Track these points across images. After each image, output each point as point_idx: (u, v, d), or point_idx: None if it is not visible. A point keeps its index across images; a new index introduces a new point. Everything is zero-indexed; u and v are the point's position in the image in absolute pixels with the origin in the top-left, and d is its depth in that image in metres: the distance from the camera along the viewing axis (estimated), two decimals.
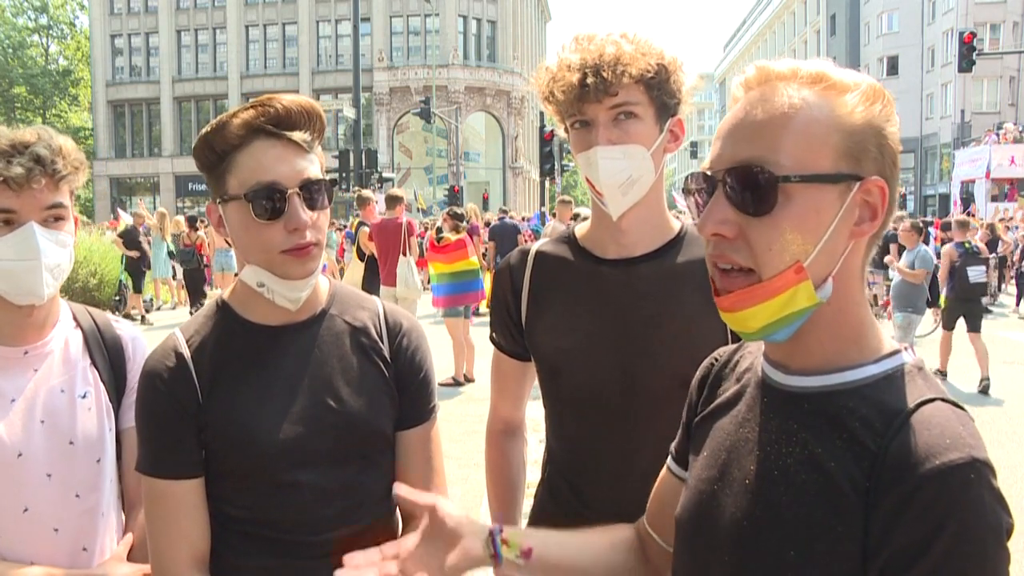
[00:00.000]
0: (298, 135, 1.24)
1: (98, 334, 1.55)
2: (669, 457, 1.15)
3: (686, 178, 0.93)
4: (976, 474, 0.75)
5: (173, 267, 14.79)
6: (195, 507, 1.27)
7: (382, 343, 1.38)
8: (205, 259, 13.41)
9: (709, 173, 0.89)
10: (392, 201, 8.71)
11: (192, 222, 14.05)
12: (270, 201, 1.21)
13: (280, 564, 1.27)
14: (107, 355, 1.55)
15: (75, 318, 1.55)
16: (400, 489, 1.09)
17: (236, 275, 1.36)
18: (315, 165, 1.27)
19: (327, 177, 1.30)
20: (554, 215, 12.91)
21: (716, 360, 1.10)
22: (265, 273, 1.26)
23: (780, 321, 0.86)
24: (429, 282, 8.83)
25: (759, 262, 0.85)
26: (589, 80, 1.37)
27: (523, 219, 16.45)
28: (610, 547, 1.18)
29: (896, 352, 0.89)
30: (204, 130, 1.25)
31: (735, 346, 1.10)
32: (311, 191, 1.24)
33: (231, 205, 1.24)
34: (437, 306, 8.49)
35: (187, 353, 1.29)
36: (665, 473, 1.15)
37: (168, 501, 1.26)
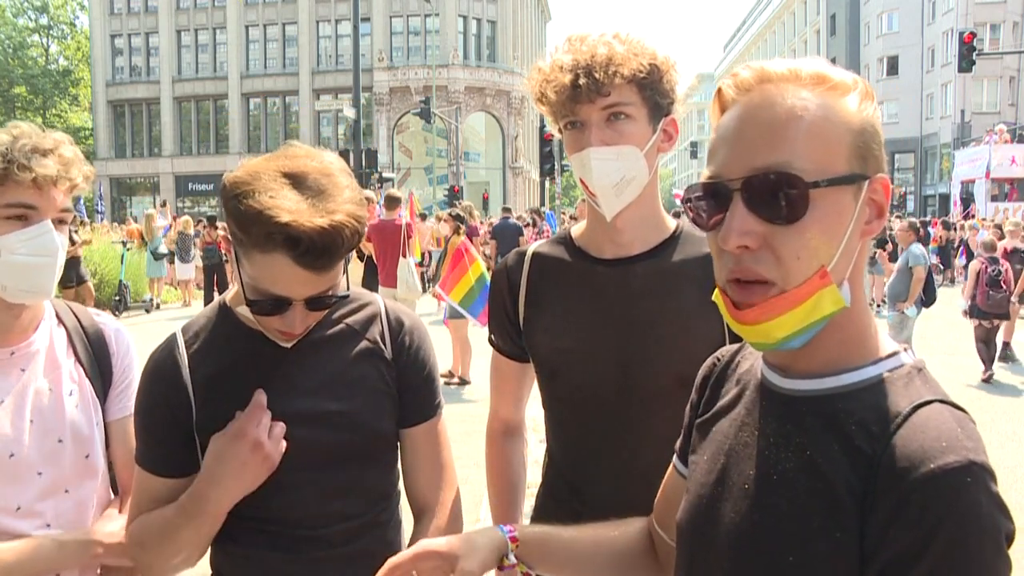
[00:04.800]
0: (320, 267, 1.17)
1: (81, 329, 1.57)
2: (675, 456, 1.14)
3: (686, 189, 0.89)
4: (972, 478, 0.72)
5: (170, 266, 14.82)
6: (163, 501, 1.30)
7: (383, 343, 1.38)
8: (227, 255, 13.41)
9: (720, 182, 0.84)
10: (391, 202, 8.71)
11: (212, 221, 14.08)
12: (273, 306, 1.21)
13: (286, 558, 1.30)
14: (91, 349, 1.56)
15: (58, 315, 1.56)
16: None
17: None
18: (330, 279, 1.23)
19: (340, 288, 1.27)
20: (573, 218, 12.81)
21: (719, 360, 1.08)
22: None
23: (803, 329, 0.83)
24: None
25: (785, 271, 0.82)
26: (581, 81, 1.37)
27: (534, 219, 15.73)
28: (619, 539, 1.17)
29: (895, 353, 0.87)
30: (241, 197, 1.14)
31: (737, 346, 1.08)
32: (319, 299, 1.24)
33: (240, 273, 1.22)
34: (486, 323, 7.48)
35: (184, 356, 1.32)
36: (672, 473, 1.14)
37: (142, 488, 1.34)
